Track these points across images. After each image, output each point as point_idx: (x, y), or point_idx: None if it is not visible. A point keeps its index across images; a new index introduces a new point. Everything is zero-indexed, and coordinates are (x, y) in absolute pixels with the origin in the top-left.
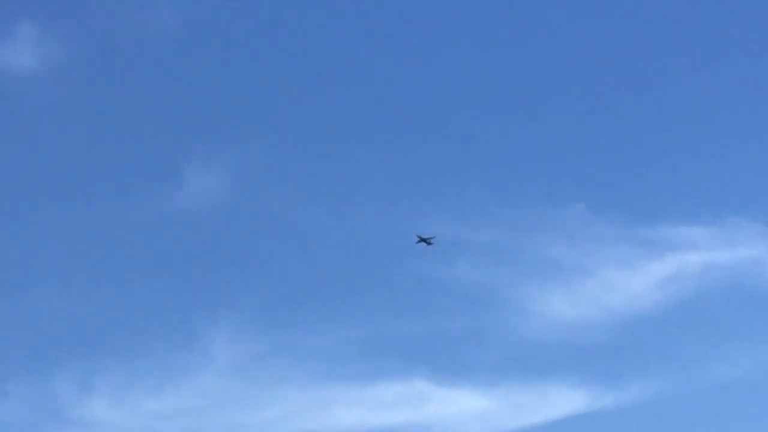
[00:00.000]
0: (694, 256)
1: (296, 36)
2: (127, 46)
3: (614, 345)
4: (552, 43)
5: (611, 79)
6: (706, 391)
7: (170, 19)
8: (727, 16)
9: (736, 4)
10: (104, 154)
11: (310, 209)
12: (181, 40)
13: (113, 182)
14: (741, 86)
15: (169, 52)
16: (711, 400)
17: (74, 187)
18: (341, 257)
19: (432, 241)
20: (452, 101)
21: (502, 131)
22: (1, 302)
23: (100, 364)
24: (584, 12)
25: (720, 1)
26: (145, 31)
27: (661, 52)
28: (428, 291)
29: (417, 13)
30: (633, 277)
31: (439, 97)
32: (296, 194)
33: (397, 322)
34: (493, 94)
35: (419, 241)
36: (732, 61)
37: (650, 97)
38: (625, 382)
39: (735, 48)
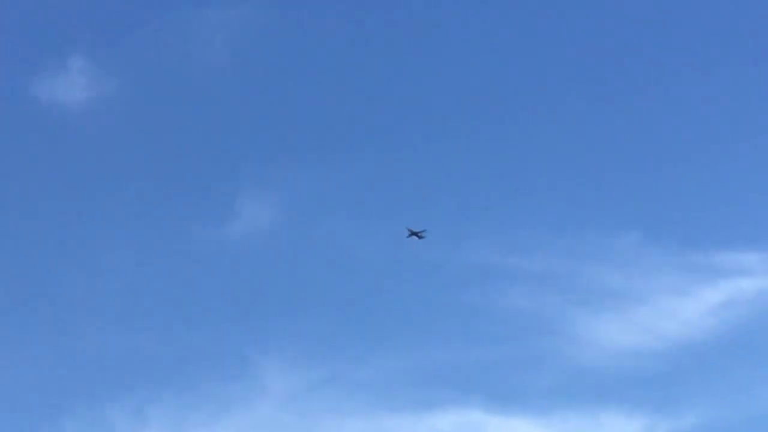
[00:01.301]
0: (748, 282)
1: (345, 65)
2: (178, 78)
3: (668, 372)
4: (609, 75)
5: (663, 110)
6: (761, 418)
7: (220, 50)
8: None
9: None
10: (157, 185)
11: (362, 238)
12: (230, 71)
13: (166, 213)
14: None
15: (219, 84)
16: (766, 428)
17: (128, 219)
18: (394, 286)
19: (423, 234)
20: (505, 131)
21: (556, 160)
22: (57, 334)
23: (154, 394)
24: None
25: None
26: (195, 62)
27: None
28: (481, 319)
29: (467, 46)
30: (686, 304)
31: (490, 127)
32: (349, 223)
33: (451, 351)
34: (546, 124)
35: (410, 235)
36: None
37: (702, 126)
38: (680, 409)
39: None
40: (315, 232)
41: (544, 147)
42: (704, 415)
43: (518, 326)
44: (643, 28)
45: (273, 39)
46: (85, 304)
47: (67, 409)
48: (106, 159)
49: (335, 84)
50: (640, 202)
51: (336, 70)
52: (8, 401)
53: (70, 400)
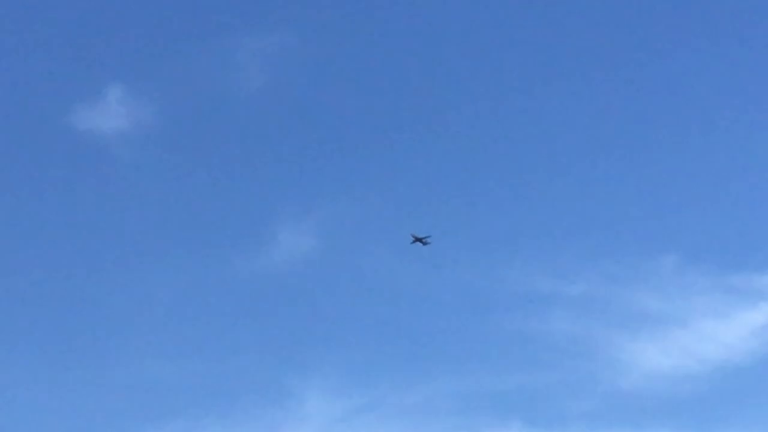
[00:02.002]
0: None
1: (382, 93)
2: (214, 106)
3: (709, 395)
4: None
5: (702, 133)
6: None
7: (256, 77)
8: None
9: None
10: (195, 214)
11: (401, 266)
12: (266, 98)
13: (206, 242)
14: None
15: (256, 111)
16: None
17: (167, 248)
18: (433, 313)
19: (428, 240)
20: (542, 157)
21: (595, 184)
22: (98, 363)
23: (195, 422)
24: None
25: None
26: (231, 90)
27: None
28: (521, 344)
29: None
30: (727, 327)
31: (528, 154)
32: (387, 250)
33: (491, 376)
34: (584, 149)
35: (414, 241)
36: None
37: (741, 149)
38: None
39: None
40: (354, 259)
41: (583, 172)
42: None
43: (558, 351)
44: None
45: (309, 66)
46: (127, 333)
47: None
48: (144, 187)
49: (373, 111)
50: (679, 224)
51: (373, 97)
52: (52, 430)
53: (113, 428)
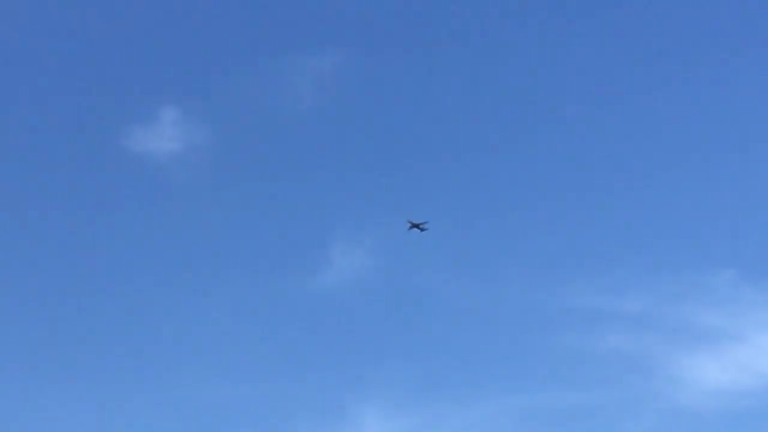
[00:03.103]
0: None
1: (434, 111)
2: (267, 127)
3: (767, 410)
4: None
5: (757, 150)
6: None
7: (309, 97)
8: None
9: None
10: (249, 235)
11: (456, 283)
12: (320, 118)
13: (260, 263)
14: None
15: (309, 131)
16: None
17: (221, 270)
18: (490, 330)
19: (425, 226)
20: (597, 174)
21: (650, 200)
22: (156, 385)
23: None
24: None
25: None
26: (286, 110)
27: None
28: (579, 361)
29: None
30: None
31: (583, 171)
32: (442, 269)
33: (549, 394)
34: (640, 167)
35: (411, 228)
36: None
37: None
38: None
39: None
40: (408, 278)
41: (639, 188)
42: None
43: (615, 367)
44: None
45: (361, 85)
46: (183, 355)
47: None
48: (199, 209)
49: (426, 130)
50: (735, 239)
51: (426, 115)
52: None
53: None
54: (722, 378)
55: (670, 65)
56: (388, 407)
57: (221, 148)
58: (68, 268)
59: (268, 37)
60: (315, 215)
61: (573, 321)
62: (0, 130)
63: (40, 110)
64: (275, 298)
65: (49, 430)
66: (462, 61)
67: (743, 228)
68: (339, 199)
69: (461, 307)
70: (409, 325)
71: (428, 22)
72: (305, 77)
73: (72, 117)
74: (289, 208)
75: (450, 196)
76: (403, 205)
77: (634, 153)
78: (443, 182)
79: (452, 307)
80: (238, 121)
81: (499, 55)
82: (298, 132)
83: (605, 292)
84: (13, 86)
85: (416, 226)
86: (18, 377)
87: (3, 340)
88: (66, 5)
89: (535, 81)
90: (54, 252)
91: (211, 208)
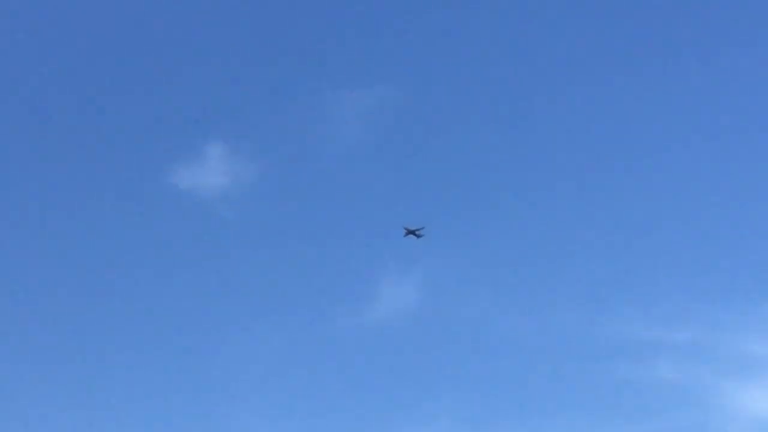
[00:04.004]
0: None
1: (479, 144)
2: (314, 161)
3: None
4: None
5: None
6: None
7: (355, 132)
8: None
9: None
10: (298, 269)
11: (505, 314)
12: (366, 151)
13: (309, 298)
14: None
15: (356, 164)
16: None
17: (270, 305)
18: (539, 362)
19: (421, 232)
20: (648, 203)
21: (701, 230)
22: (206, 419)
23: None
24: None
25: None
26: (331, 145)
27: None
28: (629, 392)
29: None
30: None
31: (632, 198)
32: (490, 300)
33: (599, 425)
34: (688, 193)
35: (407, 234)
36: None
37: None
38: None
39: None
40: (457, 310)
41: (689, 218)
42: None
43: (665, 398)
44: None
45: (406, 118)
46: (232, 390)
47: None
48: (246, 245)
49: (472, 163)
50: None
51: (471, 148)
52: None
53: None
54: None
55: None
56: None
57: (268, 183)
58: (118, 304)
59: (314, 73)
60: (362, 249)
61: (623, 351)
62: (48, 168)
63: (88, 149)
64: (324, 334)
65: None
66: (505, 97)
67: None
68: (387, 233)
69: (510, 338)
70: (458, 357)
71: (472, 59)
72: (351, 112)
73: (120, 154)
74: (336, 243)
75: (498, 229)
76: (451, 237)
77: (686, 182)
78: (490, 215)
79: (501, 338)
80: (284, 156)
81: (543, 92)
82: (345, 166)
83: (655, 322)
84: (62, 123)
85: (412, 232)
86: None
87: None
88: (112, 44)
89: (584, 119)
90: (104, 289)
91: (258, 244)
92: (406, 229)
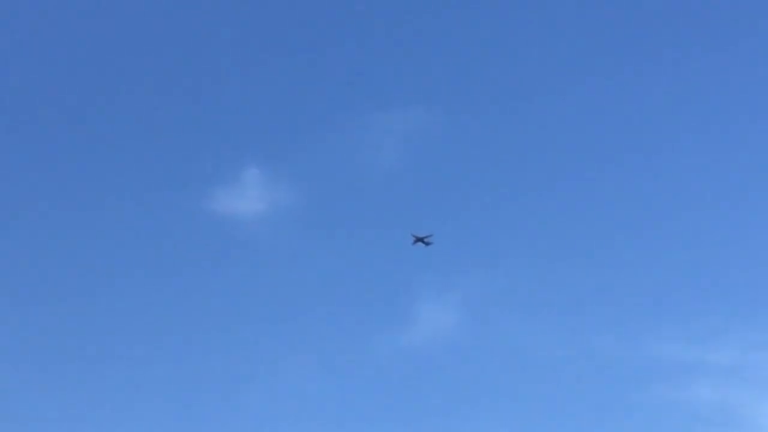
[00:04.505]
0: None
1: (518, 165)
2: (352, 185)
3: None
4: None
5: None
6: None
7: (392, 155)
8: None
9: None
10: (335, 294)
11: (543, 337)
12: (403, 174)
13: (348, 321)
14: None
15: (393, 187)
16: None
17: (308, 328)
18: (578, 383)
19: (430, 240)
20: (684, 222)
21: (739, 249)
22: None
23: None
24: None
25: None
26: (369, 168)
27: None
28: (668, 413)
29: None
30: None
31: (672, 215)
32: (528, 321)
33: None
34: (726, 211)
35: (416, 242)
36: None
37: None
38: None
39: None
40: (495, 333)
41: (726, 237)
42: None
43: (704, 420)
44: None
45: (444, 141)
46: (273, 413)
47: None
48: (284, 269)
49: (510, 183)
50: None
51: (509, 169)
52: None
53: None
54: None
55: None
56: None
57: (305, 207)
58: (156, 328)
59: (349, 95)
60: (402, 272)
61: (662, 372)
62: (88, 194)
63: (127, 174)
64: (363, 356)
65: None
66: (545, 118)
67: None
68: (425, 254)
69: (549, 361)
70: (497, 380)
71: (512, 80)
72: (389, 135)
73: (158, 179)
74: (375, 266)
75: (537, 251)
76: (489, 260)
77: (726, 204)
78: (530, 237)
79: (540, 361)
80: (321, 180)
81: (584, 111)
82: (383, 190)
83: (695, 343)
84: (102, 149)
85: (421, 239)
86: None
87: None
88: (150, 69)
89: (624, 143)
90: (142, 313)
91: (296, 268)
92: (414, 236)
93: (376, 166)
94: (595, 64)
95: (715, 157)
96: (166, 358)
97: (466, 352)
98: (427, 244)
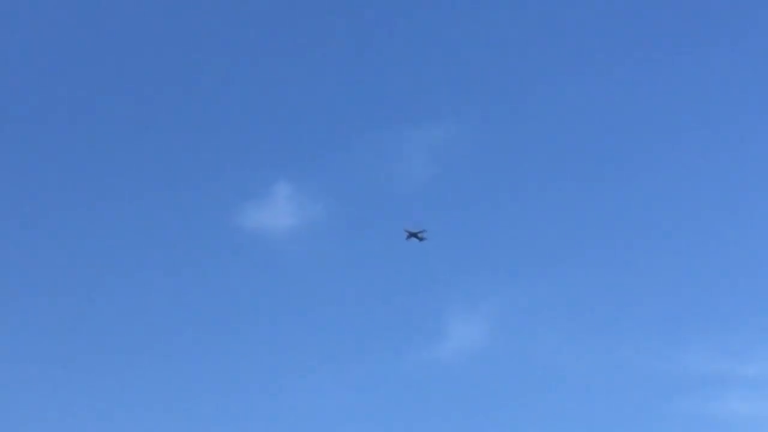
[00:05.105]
0: None
1: (548, 182)
2: (383, 200)
3: None
4: None
5: None
6: None
7: (424, 170)
8: None
9: None
10: (365, 309)
11: (573, 350)
12: (435, 191)
13: (377, 337)
14: None
15: (425, 204)
16: None
17: (339, 345)
18: (611, 398)
19: (423, 235)
20: (716, 236)
21: (764, 259)
22: None
23: None
24: None
25: None
26: (400, 183)
27: None
28: (699, 427)
29: None
30: None
31: (699, 229)
32: (558, 336)
33: None
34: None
35: (409, 237)
36: None
37: None
38: None
39: None
40: (526, 347)
41: (759, 247)
42: None
43: None
44: None
45: (475, 156)
46: (298, 427)
47: None
48: (315, 284)
49: (541, 199)
50: None
51: (540, 184)
52: None
53: None
54: None
55: None
56: None
57: (335, 222)
58: (186, 344)
59: (380, 110)
60: (431, 288)
61: (692, 385)
62: (114, 208)
63: (157, 189)
64: (393, 371)
65: None
66: (579, 132)
67: None
68: (455, 270)
69: (580, 375)
70: (527, 395)
71: (543, 95)
72: (419, 149)
73: (187, 195)
74: (404, 280)
75: (567, 265)
76: (519, 274)
77: (760, 211)
78: (560, 251)
79: (571, 375)
80: (351, 194)
81: (619, 125)
82: (413, 205)
83: (726, 356)
84: (132, 163)
85: (414, 235)
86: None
87: None
88: (178, 84)
89: (650, 148)
90: (173, 328)
91: (326, 282)
92: (407, 231)
93: (406, 180)
94: (631, 77)
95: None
96: (193, 372)
97: (496, 366)
98: (420, 239)
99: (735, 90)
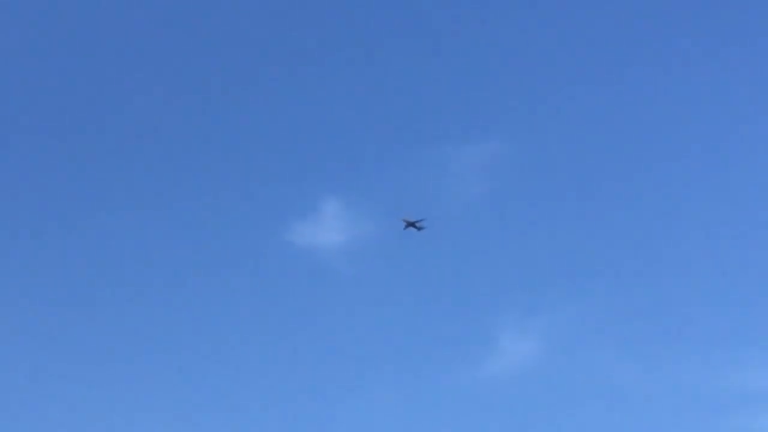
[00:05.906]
0: None
1: (599, 199)
2: (432, 216)
3: None
4: None
5: None
6: None
7: (473, 187)
8: None
9: None
10: (416, 323)
11: (627, 368)
12: (485, 208)
13: (428, 352)
14: None
15: (474, 221)
16: None
17: (389, 359)
18: (663, 415)
19: (421, 224)
20: (758, 252)
21: None
22: None
23: None
24: None
25: None
26: (449, 200)
27: None
28: None
29: None
30: None
31: (750, 245)
32: (612, 352)
33: None
34: None
35: (407, 227)
36: None
37: None
38: None
39: None
40: (578, 363)
41: None
42: None
43: None
44: None
45: (524, 173)
46: None
47: None
48: (365, 300)
49: (590, 214)
50: None
51: (589, 201)
52: None
53: None
54: None
55: None
56: None
57: (385, 238)
58: (235, 361)
59: (429, 127)
60: (483, 303)
61: (748, 401)
62: (165, 227)
63: (206, 207)
64: (444, 387)
65: None
66: (625, 146)
67: None
68: (507, 286)
69: (633, 392)
70: (580, 412)
71: (586, 109)
72: (468, 167)
73: (237, 212)
74: (456, 297)
75: (619, 281)
76: (571, 290)
77: None
78: (610, 267)
79: (624, 392)
80: (401, 211)
81: (665, 138)
82: (463, 221)
83: None
84: (180, 181)
85: (412, 224)
86: None
87: None
88: (228, 104)
89: (710, 171)
90: (222, 345)
91: (376, 299)
92: (405, 221)
93: (456, 197)
94: (676, 89)
95: None
96: (244, 386)
97: (548, 382)
98: (419, 228)
99: None
